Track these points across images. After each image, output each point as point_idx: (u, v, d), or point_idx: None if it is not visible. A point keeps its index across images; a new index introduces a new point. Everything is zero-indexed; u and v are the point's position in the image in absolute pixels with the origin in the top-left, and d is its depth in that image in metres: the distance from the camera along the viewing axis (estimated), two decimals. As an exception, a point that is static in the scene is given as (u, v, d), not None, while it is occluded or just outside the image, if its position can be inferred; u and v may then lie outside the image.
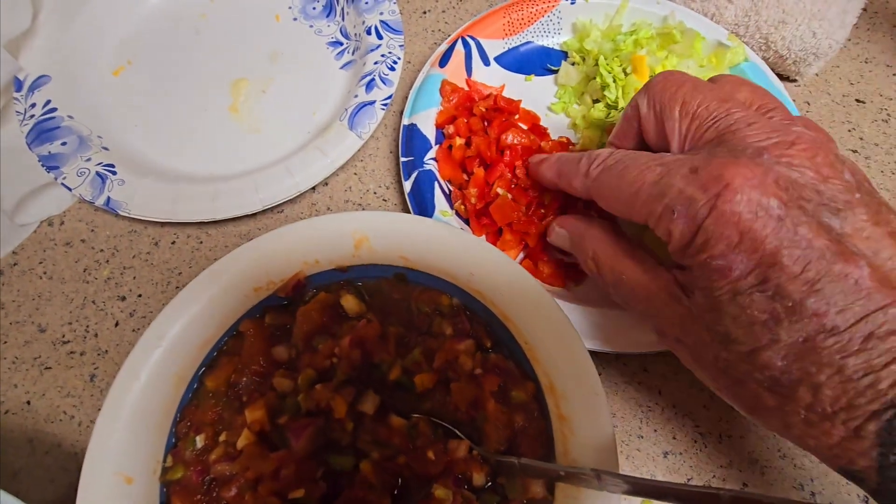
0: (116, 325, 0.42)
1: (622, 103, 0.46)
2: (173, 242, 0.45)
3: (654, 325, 0.32)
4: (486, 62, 0.52)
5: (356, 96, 0.48)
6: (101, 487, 0.27)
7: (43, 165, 0.43)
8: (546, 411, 0.32)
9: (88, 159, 0.44)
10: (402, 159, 0.45)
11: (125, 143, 0.47)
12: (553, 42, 0.54)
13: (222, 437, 0.31)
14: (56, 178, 0.43)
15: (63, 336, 0.41)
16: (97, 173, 0.43)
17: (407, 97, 0.48)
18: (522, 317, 0.33)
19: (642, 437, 0.40)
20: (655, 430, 0.40)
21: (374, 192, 0.48)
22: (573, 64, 0.52)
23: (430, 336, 0.35)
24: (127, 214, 0.42)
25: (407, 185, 0.44)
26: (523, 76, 0.52)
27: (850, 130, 0.54)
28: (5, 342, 0.41)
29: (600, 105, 0.48)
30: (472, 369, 0.33)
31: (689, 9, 0.52)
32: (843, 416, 0.24)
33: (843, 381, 0.23)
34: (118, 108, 0.49)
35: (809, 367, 0.24)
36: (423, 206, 0.43)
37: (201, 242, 0.45)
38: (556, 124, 0.50)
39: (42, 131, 0.44)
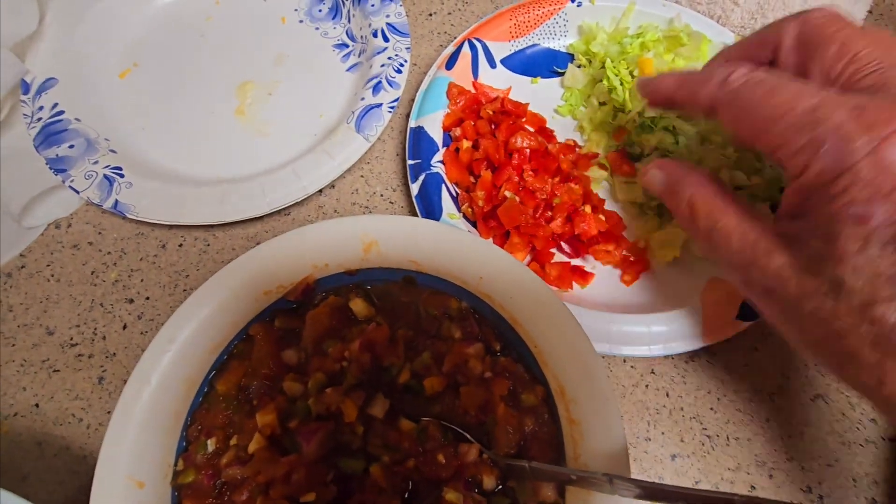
0: (124, 327, 0.42)
1: (629, 106, 0.46)
2: (180, 245, 0.45)
3: (740, 277, 0.31)
4: (493, 64, 0.52)
5: (363, 99, 0.48)
6: (113, 492, 0.28)
7: (50, 168, 0.43)
8: (556, 415, 0.32)
9: (96, 162, 0.44)
10: (410, 162, 0.45)
11: (132, 145, 0.47)
12: (559, 44, 0.54)
13: (233, 441, 0.31)
14: (64, 181, 0.43)
15: (71, 339, 0.41)
16: (105, 176, 0.43)
17: (413, 100, 0.48)
18: (531, 320, 0.34)
19: (650, 439, 0.40)
20: (663, 433, 0.40)
21: (381, 195, 0.48)
22: (579, 66, 0.52)
23: (440, 339, 0.35)
24: (134, 217, 0.42)
25: (414, 188, 0.44)
26: (529, 78, 0.52)
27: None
28: (13, 345, 0.41)
29: (607, 108, 0.48)
30: (482, 373, 0.33)
31: (696, 11, 0.52)
32: None
33: None
34: (125, 110, 0.49)
35: None
36: (430, 208, 0.43)
37: (208, 245, 0.45)
38: (563, 127, 0.50)
39: (49, 134, 0.44)
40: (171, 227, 0.45)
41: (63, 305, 0.42)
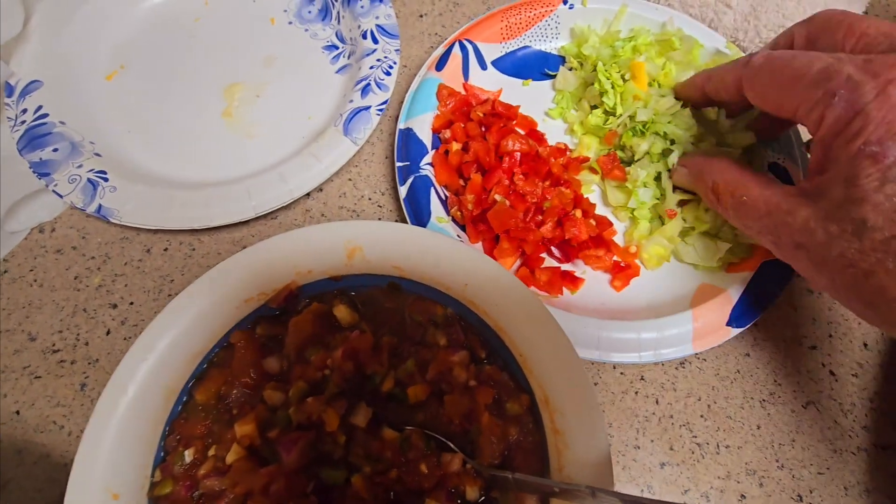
0: (108, 333, 0.41)
1: (620, 110, 0.46)
2: (165, 249, 0.45)
3: (771, 239, 0.33)
4: (484, 66, 0.51)
5: (351, 101, 0.47)
6: (88, 504, 0.27)
7: (34, 172, 0.43)
8: (541, 424, 0.32)
9: (80, 166, 0.43)
10: (398, 164, 0.45)
11: (117, 148, 0.47)
12: (551, 47, 0.53)
13: (212, 452, 0.30)
14: (47, 185, 0.42)
15: (53, 345, 0.41)
16: (89, 180, 0.42)
17: (403, 101, 0.48)
18: (517, 328, 0.33)
19: (639, 447, 0.39)
20: (652, 441, 0.40)
21: (370, 198, 0.47)
22: (571, 69, 0.51)
23: (424, 346, 0.34)
24: (118, 222, 0.41)
25: (403, 191, 0.44)
26: (521, 81, 0.52)
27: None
28: (-5, 351, 0.40)
29: (598, 111, 0.48)
30: (466, 381, 0.33)
31: (688, 14, 0.52)
32: None
33: None
34: (111, 113, 0.49)
35: None
36: (418, 212, 0.43)
37: (194, 249, 0.45)
38: (554, 129, 0.50)
39: (33, 137, 0.44)
40: (156, 231, 0.45)
41: (45, 311, 0.42)
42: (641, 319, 0.40)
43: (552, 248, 0.44)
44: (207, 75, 0.51)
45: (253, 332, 0.34)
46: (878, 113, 0.27)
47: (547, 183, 0.44)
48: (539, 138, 0.48)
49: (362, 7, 0.52)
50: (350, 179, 0.48)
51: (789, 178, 0.44)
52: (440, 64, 0.49)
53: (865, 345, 0.43)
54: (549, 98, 0.51)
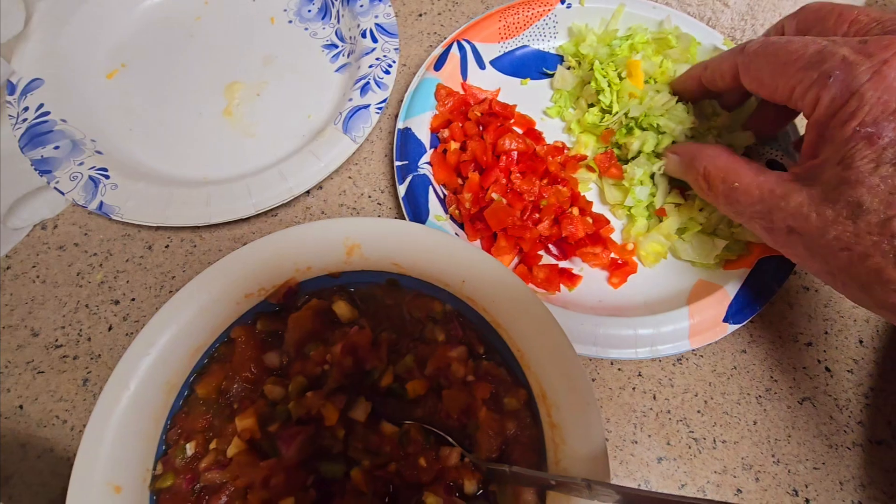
0: (110, 329, 0.42)
1: (617, 108, 0.46)
2: (167, 246, 0.45)
3: (763, 225, 0.33)
4: (482, 66, 0.52)
5: (351, 100, 0.47)
6: (90, 497, 0.27)
7: (35, 169, 0.43)
8: (538, 419, 0.32)
9: (81, 163, 0.43)
10: (397, 163, 0.45)
11: (118, 146, 0.47)
12: (549, 46, 0.53)
13: (213, 445, 0.30)
14: (49, 183, 0.43)
15: (56, 340, 0.41)
16: (90, 177, 0.43)
17: (402, 100, 0.48)
18: (514, 324, 0.33)
19: (636, 442, 0.40)
20: (649, 436, 0.40)
21: (369, 196, 0.48)
22: (569, 68, 0.51)
23: (423, 342, 0.35)
24: (120, 219, 0.42)
25: (401, 189, 0.44)
26: (519, 80, 0.52)
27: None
28: (-2, 347, 0.41)
29: (595, 110, 0.48)
30: (465, 376, 0.33)
31: (685, 13, 0.52)
32: None
33: None
34: (112, 111, 0.49)
35: None
36: (417, 210, 0.43)
37: (195, 246, 0.45)
38: (551, 128, 0.50)
39: (35, 135, 0.44)
40: (157, 228, 0.45)
41: (48, 307, 0.42)
42: (638, 316, 0.40)
43: (550, 245, 0.44)
44: (208, 74, 0.52)
45: (253, 327, 0.34)
46: (874, 93, 0.27)
47: (544, 181, 0.44)
48: (537, 137, 0.48)
49: (362, 6, 0.52)
50: (350, 177, 0.49)
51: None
52: (438, 64, 0.49)
53: (861, 341, 0.44)
54: (548, 97, 0.52)
